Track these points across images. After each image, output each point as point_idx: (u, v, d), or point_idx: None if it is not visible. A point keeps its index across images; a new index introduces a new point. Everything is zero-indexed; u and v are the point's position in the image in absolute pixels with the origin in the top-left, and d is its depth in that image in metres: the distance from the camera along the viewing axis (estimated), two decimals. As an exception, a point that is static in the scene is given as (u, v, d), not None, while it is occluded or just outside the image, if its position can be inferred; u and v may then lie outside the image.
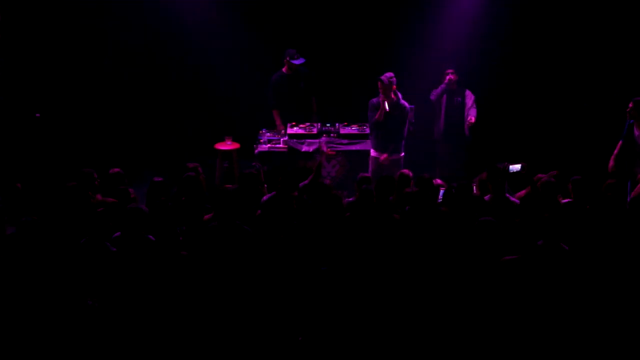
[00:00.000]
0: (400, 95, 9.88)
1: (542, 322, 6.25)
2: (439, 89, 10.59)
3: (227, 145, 10.73)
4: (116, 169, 8.21)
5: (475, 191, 7.95)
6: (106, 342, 6.32)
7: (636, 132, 9.01)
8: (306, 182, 8.38)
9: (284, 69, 10.71)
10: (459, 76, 10.58)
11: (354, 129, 10.58)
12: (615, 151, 9.22)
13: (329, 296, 6.57)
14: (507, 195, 7.76)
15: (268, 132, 10.62)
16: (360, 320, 6.46)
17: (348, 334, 6.44)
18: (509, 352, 6.24)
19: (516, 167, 8.43)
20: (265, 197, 7.89)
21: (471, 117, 10.52)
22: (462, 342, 6.30)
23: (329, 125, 10.59)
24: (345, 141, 10.44)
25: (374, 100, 9.90)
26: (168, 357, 6.37)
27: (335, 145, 10.37)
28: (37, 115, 9.80)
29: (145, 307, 6.52)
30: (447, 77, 10.52)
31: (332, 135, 10.46)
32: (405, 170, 8.40)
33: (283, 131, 10.52)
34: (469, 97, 10.62)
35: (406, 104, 9.89)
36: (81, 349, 6.26)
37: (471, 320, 6.34)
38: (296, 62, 10.62)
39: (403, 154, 9.97)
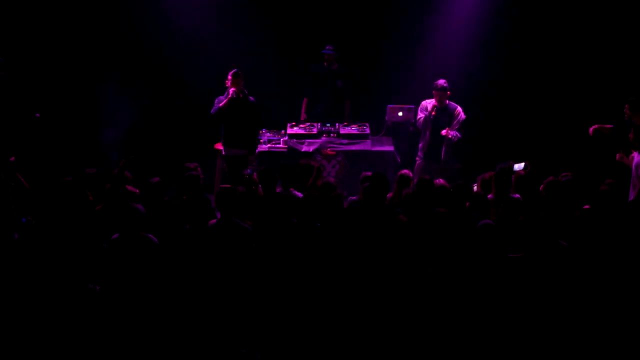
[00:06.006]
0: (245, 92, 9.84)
1: (544, 321, 6.25)
2: (422, 121, 9.99)
3: (227, 145, 10.70)
4: (156, 178, 7.81)
5: (477, 190, 7.93)
6: (107, 338, 6.34)
7: (636, 159, 8.64)
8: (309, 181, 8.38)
9: (325, 63, 10.81)
10: (451, 92, 9.97)
11: (354, 129, 10.57)
12: (606, 125, 9.01)
13: (330, 296, 6.57)
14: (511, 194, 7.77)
15: (268, 132, 10.62)
16: (362, 321, 6.46)
17: (349, 334, 6.43)
18: (512, 352, 6.24)
19: (520, 166, 8.42)
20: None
21: (450, 133, 9.87)
22: (465, 342, 6.30)
23: (329, 125, 10.59)
24: (345, 141, 10.45)
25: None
26: (168, 355, 6.39)
27: (335, 145, 10.37)
28: (37, 115, 9.77)
29: (145, 306, 6.53)
30: (432, 113, 9.90)
31: (332, 135, 10.46)
32: (405, 171, 8.39)
33: (303, 119, 10.77)
34: (458, 118, 9.95)
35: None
36: (84, 340, 6.28)
37: (473, 320, 6.34)
38: (325, 51, 10.71)
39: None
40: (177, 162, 9.12)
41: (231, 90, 9.69)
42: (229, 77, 9.76)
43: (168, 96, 11.82)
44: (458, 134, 9.96)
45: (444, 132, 9.90)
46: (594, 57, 11.24)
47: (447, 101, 9.97)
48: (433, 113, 9.91)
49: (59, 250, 6.69)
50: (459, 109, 10.00)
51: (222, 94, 9.81)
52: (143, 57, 11.54)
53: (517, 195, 7.74)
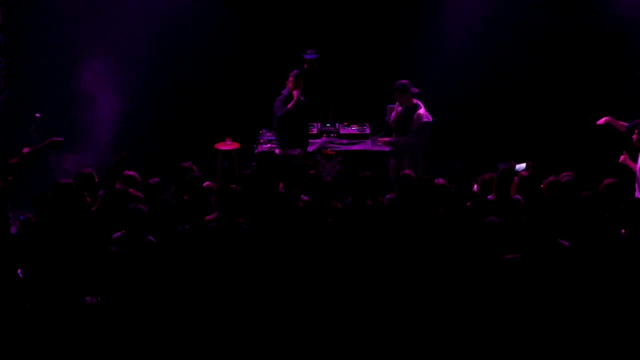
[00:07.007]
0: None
1: (544, 321, 6.25)
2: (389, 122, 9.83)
3: (227, 145, 10.73)
4: (156, 179, 7.82)
5: (477, 191, 7.93)
6: (106, 340, 6.34)
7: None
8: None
9: (305, 65, 10.79)
10: (419, 92, 9.59)
11: (353, 129, 10.57)
12: (622, 122, 8.59)
13: (329, 296, 6.57)
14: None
15: (268, 132, 10.62)
16: (361, 321, 6.46)
17: (349, 334, 6.44)
18: (512, 352, 6.24)
19: (521, 166, 8.41)
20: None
21: (385, 139, 9.74)
22: (465, 343, 6.30)
23: (329, 125, 10.59)
24: (345, 141, 10.44)
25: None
26: (168, 354, 6.39)
27: (335, 145, 10.36)
28: (37, 115, 9.78)
29: (146, 306, 6.53)
30: (391, 123, 9.68)
31: (332, 135, 10.46)
32: (407, 171, 8.37)
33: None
34: (415, 121, 9.45)
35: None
36: (81, 347, 6.27)
37: (474, 320, 6.35)
38: (307, 56, 10.68)
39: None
40: (176, 162, 9.16)
41: (295, 92, 9.62)
42: (291, 78, 9.69)
43: (167, 96, 11.82)
44: (403, 139, 9.58)
45: (379, 142, 9.82)
46: (594, 56, 11.25)
47: (415, 101, 9.56)
48: (392, 119, 9.62)
49: (58, 250, 6.70)
50: (421, 111, 9.48)
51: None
52: (142, 55, 11.54)
53: (518, 196, 7.73)
